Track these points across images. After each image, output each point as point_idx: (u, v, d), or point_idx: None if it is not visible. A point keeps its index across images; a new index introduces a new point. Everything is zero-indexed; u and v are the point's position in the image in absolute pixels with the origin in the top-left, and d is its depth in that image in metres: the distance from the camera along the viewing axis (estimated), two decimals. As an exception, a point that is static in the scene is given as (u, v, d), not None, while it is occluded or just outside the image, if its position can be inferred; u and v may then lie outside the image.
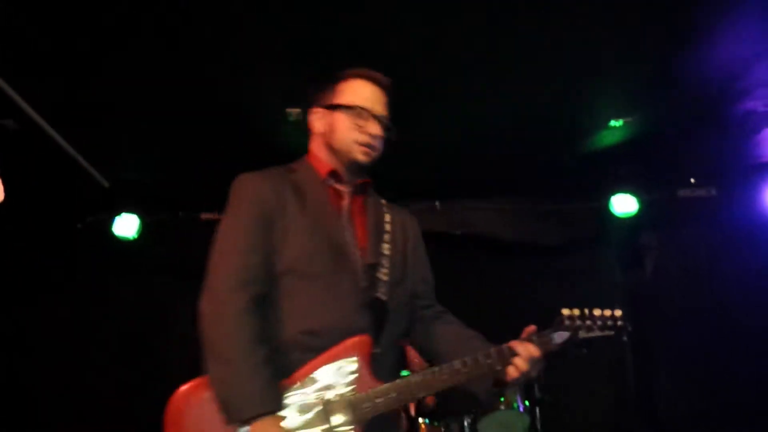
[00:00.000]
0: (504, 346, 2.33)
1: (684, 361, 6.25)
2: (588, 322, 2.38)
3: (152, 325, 6.71)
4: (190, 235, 6.81)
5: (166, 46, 4.29)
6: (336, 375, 2.23)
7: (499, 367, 2.31)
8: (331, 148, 2.51)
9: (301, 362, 2.24)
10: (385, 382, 2.27)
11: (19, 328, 6.40)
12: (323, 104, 2.54)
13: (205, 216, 6.86)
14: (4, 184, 2.05)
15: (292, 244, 2.33)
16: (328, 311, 2.29)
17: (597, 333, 2.38)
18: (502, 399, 4.59)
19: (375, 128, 2.50)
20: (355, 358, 2.25)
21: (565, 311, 2.39)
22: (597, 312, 2.40)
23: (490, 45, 4.31)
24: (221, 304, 2.21)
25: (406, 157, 5.94)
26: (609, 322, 2.40)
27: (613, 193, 6.22)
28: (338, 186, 2.52)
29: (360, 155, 2.49)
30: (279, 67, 4.53)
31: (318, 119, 2.56)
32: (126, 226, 6.39)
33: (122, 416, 6.39)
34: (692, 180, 6.48)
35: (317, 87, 2.59)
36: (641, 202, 6.22)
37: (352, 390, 2.22)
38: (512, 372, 2.31)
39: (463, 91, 4.83)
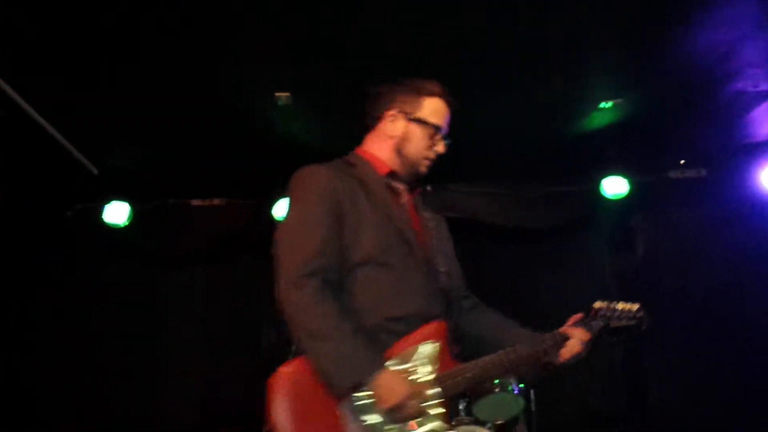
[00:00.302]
0: (556, 331, 2.57)
1: (674, 343, 6.28)
2: (616, 314, 2.65)
3: (143, 312, 6.72)
4: (180, 222, 6.81)
5: (155, 34, 4.27)
6: (421, 356, 2.37)
7: (554, 350, 2.54)
8: (399, 153, 2.66)
9: (387, 345, 2.37)
10: (458, 363, 2.45)
11: (7, 316, 6.38)
12: (403, 111, 2.66)
13: (195, 202, 6.85)
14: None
15: (367, 236, 2.45)
16: (408, 300, 2.45)
17: (624, 323, 2.64)
18: (497, 382, 4.60)
19: (442, 148, 2.69)
20: (436, 341, 2.40)
21: (598, 304, 2.65)
22: (620, 306, 2.67)
23: (480, 28, 4.30)
24: (300, 288, 2.30)
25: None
26: (631, 314, 2.66)
27: (604, 175, 6.22)
28: (395, 184, 2.66)
29: (424, 168, 2.69)
30: (267, 52, 4.51)
31: (392, 122, 2.67)
32: (116, 213, 6.37)
33: (113, 402, 6.40)
34: (682, 161, 6.49)
35: (399, 91, 2.70)
36: (631, 183, 6.22)
37: (436, 370, 2.37)
38: (565, 354, 2.55)
39: (452, 75, 4.81)
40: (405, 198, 2.67)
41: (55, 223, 6.61)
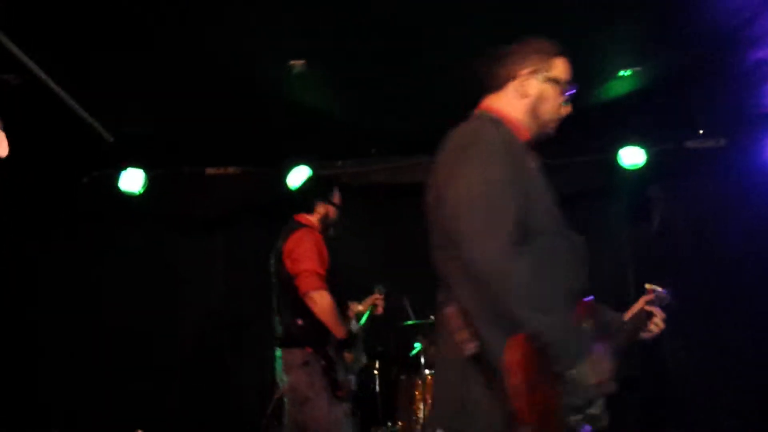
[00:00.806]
0: (641, 309, 2.72)
1: (690, 311, 6.26)
2: (663, 294, 2.79)
3: (158, 280, 6.75)
4: (195, 190, 6.83)
5: (170, 3, 4.24)
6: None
7: (645, 326, 2.71)
8: (533, 114, 2.54)
9: None
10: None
11: (25, 283, 6.43)
12: (538, 70, 2.55)
13: (209, 171, 6.86)
14: (8, 139, 2.03)
15: (539, 205, 2.35)
16: (575, 273, 2.41)
17: (667, 302, 2.79)
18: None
19: (568, 109, 2.63)
20: (590, 319, 2.40)
21: (649, 285, 2.81)
22: (659, 287, 2.82)
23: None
24: (514, 257, 2.13)
25: (407, 111, 5.92)
26: (668, 295, 2.82)
27: (622, 145, 6.17)
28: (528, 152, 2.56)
29: (551, 130, 2.61)
30: (283, 20, 4.47)
31: (526, 81, 2.55)
32: (131, 181, 6.39)
33: (130, 367, 6.46)
34: (701, 131, 6.43)
35: (531, 51, 2.59)
36: (649, 153, 6.18)
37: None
38: (654, 329, 2.71)
39: (465, 41, 4.77)
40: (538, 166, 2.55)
41: (72, 190, 6.65)
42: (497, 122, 2.45)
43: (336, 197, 4.49)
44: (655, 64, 5.12)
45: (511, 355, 2.09)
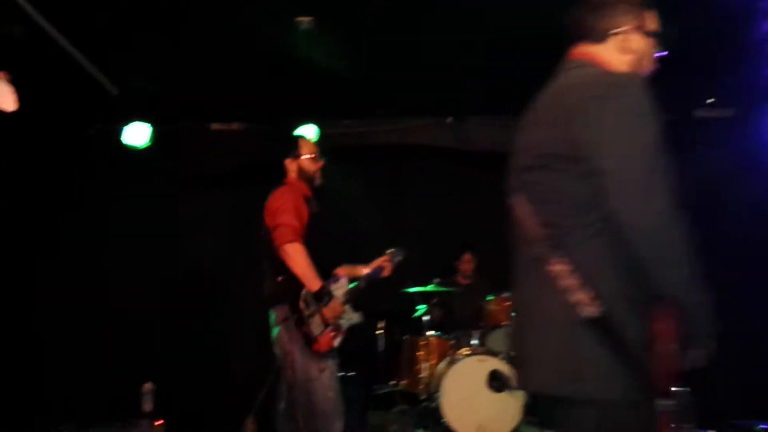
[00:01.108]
0: None
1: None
2: None
3: (161, 236, 6.76)
4: (199, 146, 6.81)
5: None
6: None
7: None
8: (635, 72, 2.38)
9: None
10: None
11: (28, 234, 6.45)
12: (640, 25, 2.40)
13: (214, 126, 6.83)
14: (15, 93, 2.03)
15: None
16: None
17: None
18: (515, 313, 4.65)
19: (655, 66, 2.46)
20: None
21: None
22: None
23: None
24: (674, 222, 2.09)
25: (419, 74, 5.88)
26: None
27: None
28: None
29: None
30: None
31: (630, 36, 2.39)
32: (136, 134, 6.38)
33: (132, 322, 6.50)
34: (709, 100, 6.38)
35: (631, 2, 2.42)
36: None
37: None
38: None
39: (473, 9, 4.74)
40: None
41: (76, 142, 6.64)
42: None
43: (304, 148, 4.50)
44: (665, 33, 5.06)
45: (662, 324, 2.04)
